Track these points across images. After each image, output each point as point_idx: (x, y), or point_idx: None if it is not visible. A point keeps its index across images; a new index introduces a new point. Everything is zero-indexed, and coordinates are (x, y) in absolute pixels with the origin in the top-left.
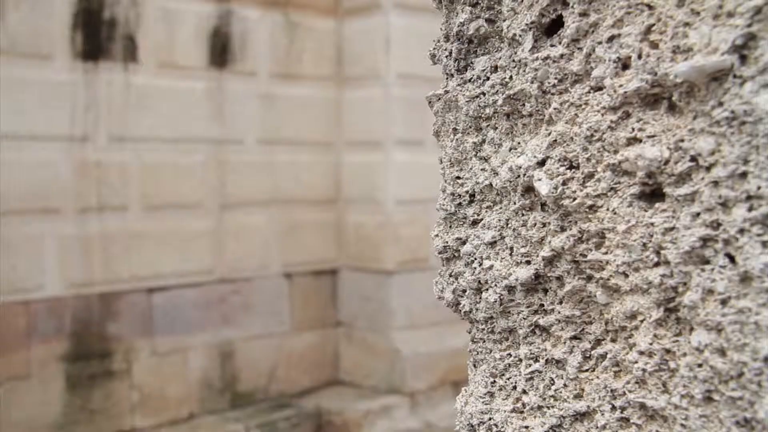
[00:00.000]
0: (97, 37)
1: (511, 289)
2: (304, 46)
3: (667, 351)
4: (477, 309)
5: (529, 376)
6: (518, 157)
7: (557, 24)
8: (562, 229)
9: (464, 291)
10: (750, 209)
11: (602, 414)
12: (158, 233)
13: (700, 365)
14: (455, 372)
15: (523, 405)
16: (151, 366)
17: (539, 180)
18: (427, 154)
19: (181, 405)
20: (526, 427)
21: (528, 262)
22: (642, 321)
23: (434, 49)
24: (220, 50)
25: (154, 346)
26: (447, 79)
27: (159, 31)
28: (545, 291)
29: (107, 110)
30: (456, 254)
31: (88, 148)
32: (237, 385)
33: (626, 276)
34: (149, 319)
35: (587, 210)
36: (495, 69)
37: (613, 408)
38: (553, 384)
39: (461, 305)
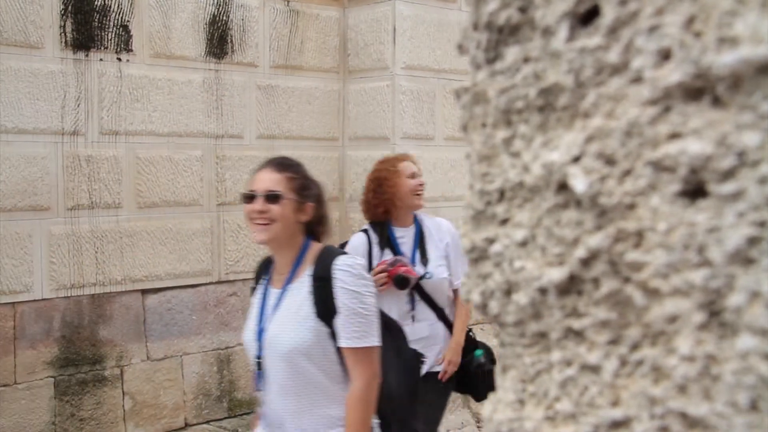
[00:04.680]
0: (88, 25)
1: (543, 290)
2: (306, 36)
3: (710, 356)
4: (506, 312)
5: (562, 382)
6: (552, 152)
7: (593, 13)
8: (599, 228)
9: (493, 293)
10: None
11: (640, 422)
12: (153, 232)
13: (745, 371)
14: None
15: (556, 413)
16: (145, 372)
17: (574, 176)
18: (437, 149)
19: (176, 413)
20: None
21: (561, 263)
22: (683, 325)
23: (462, 39)
24: (219, 40)
25: (147, 351)
26: (475, 70)
27: (154, 20)
28: (580, 293)
29: (99, 103)
30: (484, 254)
31: (79, 143)
32: (235, 392)
33: (667, 277)
34: (143, 323)
35: (625, 208)
36: (527, 60)
37: (652, 416)
38: (587, 390)
39: (490, 308)
